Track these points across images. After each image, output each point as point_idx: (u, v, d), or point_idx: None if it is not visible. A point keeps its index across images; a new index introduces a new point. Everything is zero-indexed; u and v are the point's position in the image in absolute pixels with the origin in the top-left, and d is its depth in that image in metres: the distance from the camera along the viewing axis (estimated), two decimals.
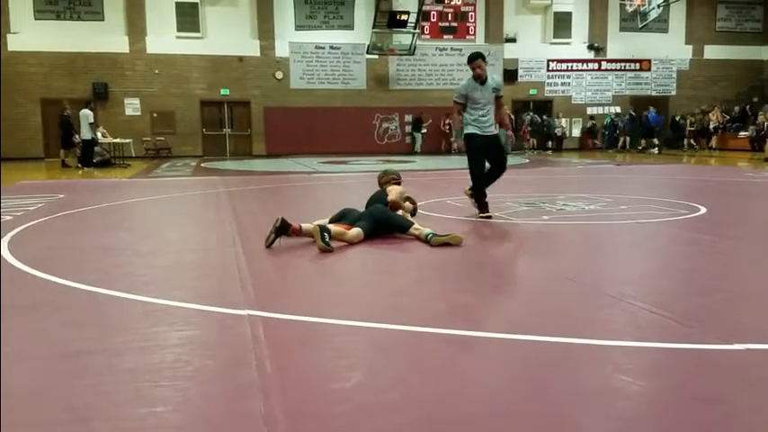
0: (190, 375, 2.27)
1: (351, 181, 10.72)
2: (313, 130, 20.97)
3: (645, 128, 21.14)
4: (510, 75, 22.39)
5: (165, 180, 11.69)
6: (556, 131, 22.29)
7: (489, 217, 6.06)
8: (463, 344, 2.59)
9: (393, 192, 5.39)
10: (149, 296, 3.32)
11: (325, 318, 2.91)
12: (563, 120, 22.70)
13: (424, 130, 21.41)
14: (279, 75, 20.86)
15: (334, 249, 4.48)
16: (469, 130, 6.10)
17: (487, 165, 6.20)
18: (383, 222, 4.97)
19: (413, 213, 5.61)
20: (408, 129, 21.86)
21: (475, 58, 5.98)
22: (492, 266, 4.12)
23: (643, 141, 21.13)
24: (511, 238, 5.18)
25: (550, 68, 22.90)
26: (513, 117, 5.69)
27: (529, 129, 21.74)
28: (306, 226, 4.76)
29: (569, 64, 23.08)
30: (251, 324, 2.82)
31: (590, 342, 2.56)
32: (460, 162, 17.78)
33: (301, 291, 3.48)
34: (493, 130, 6.12)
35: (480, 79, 6.03)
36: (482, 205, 6.21)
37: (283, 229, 4.68)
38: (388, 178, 5.78)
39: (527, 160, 16.95)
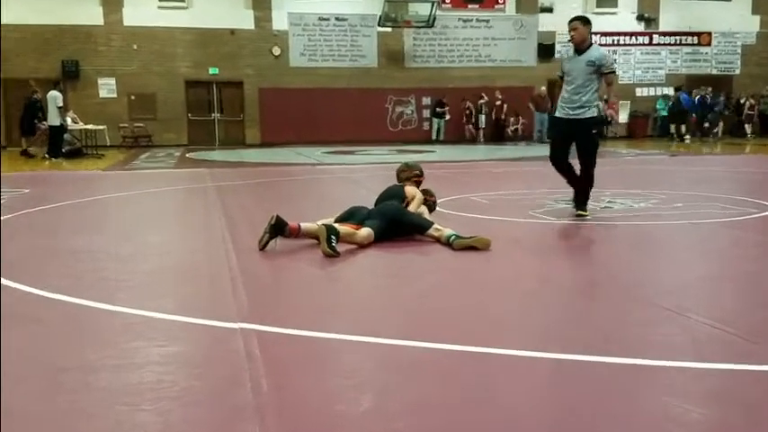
0: (174, 397, 2.28)
1: (359, 174, 10.73)
2: (315, 116, 21.01)
3: (678, 112, 20.88)
4: (545, 50, 22.31)
5: (145, 173, 11.75)
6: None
7: (582, 215, 6.03)
8: (491, 363, 2.58)
9: (410, 192, 5.35)
10: (128, 306, 3.33)
11: (328, 332, 2.91)
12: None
13: (448, 116, 21.39)
14: (276, 51, 20.92)
15: (340, 254, 4.47)
16: (555, 112, 6.15)
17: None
18: (397, 222, 4.96)
19: (431, 208, 5.59)
20: (426, 114, 21.84)
21: (569, 22, 6.02)
22: (524, 274, 4.11)
23: (673, 127, 20.92)
24: (546, 241, 5.16)
25: (593, 43, 22.74)
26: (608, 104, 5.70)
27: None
28: (306, 226, 4.75)
29: (615, 38, 22.94)
30: (244, 338, 2.83)
31: (641, 362, 2.54)
32: (486, 152, 17.80)
33: (302, 300, 3.49)
34: (581, 113, 5.93)
35: (575, 47, 5.97)
36: (577, 201, 6.15)
37: (279, 227, 4.65)
38: (410, 173, 5.68)
39: None
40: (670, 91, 22.65)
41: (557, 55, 22.55)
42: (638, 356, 2.59)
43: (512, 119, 21.71)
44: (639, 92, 23.23)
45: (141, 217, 6.64)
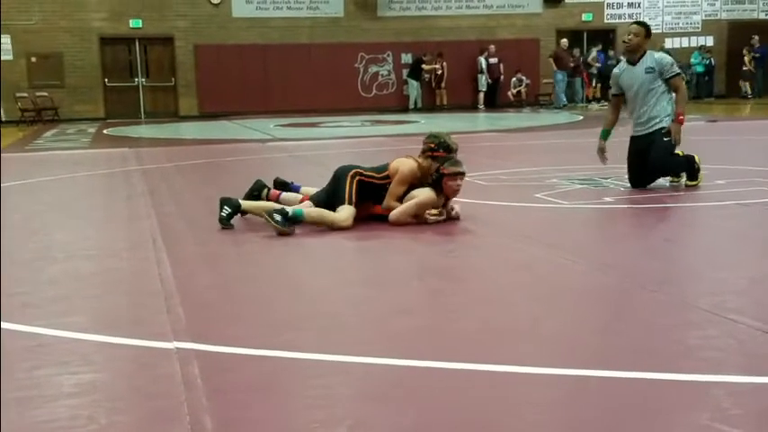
0: None
1: (324, 152, 10.71)
2: (267, 79, 20.92)
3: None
4: None
5: (51, 154, 11.62)
6: None
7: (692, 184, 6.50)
8: (495, 383, 2.59)
9: (394, 166, 5.22)
10: (30, 324, 3.29)
11: (291, 350, 2.90)
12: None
13: (427, 76, 21.40)
14: None
15: (292, 232, 4.89)
16: (632, 133, 6.64)
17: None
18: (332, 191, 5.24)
19: (437, 189, 5.21)
20: (405, 74, 21.83)
21: (634, 23, 6.64)
22: (532, 271, 4.13)
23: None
24: (557, 231, 5.19)
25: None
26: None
27: (595, 70, 21.63)
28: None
29: None
30: (181, 361, 2.81)
31: (678, 377, 2.57)
32: (484, 122, 17.83)
33: (256, 312, 3.47)
34: (651, 126, 6.40)
35: (628, 55, 6.54)
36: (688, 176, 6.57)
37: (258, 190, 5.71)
38: (425, 145, 5.29)
39: (580, 117, 17.01)
40: (708, 41, 22.92)
41: None
42: (672, 371, 2.62)
43: (513, 80, 21.80)
44: (670, 43, 23.44)
45: (45, 211, 6.56)
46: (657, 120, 6.37)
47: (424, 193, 5.16)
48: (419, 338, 3.06)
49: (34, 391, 2.60)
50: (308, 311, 3.49)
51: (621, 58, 7.35)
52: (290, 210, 5.03)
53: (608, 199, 6.20)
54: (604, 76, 21.91)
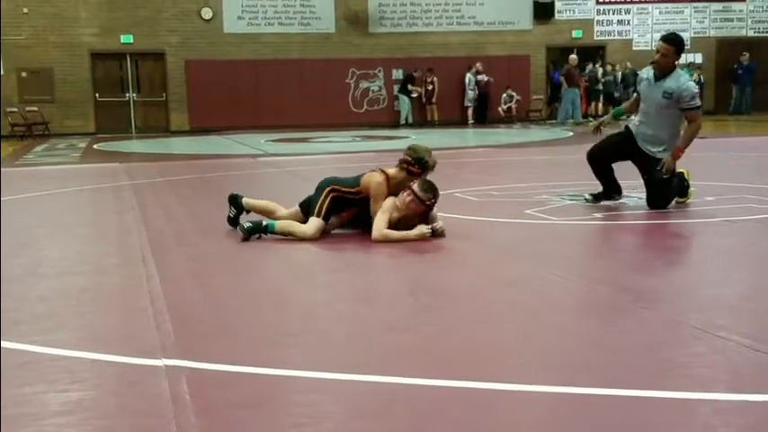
0: None
1: (314, 168, 10.71)
2: (258, 95, 20.93)
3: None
4: (543, 10, 22.55)
5: (41, 170, 11.58)
6: (614, 91, 22.22)
7: (597, 199, 6.42)
8: (483, 400, 2.59)
9: (366, 182, 5.25)
10: (17, 341, 3.27)
11: (281, 367, 2.89)
12: (619, 73, 22.82)
13: (415, 94, 21.46)
14: (207, 13, 20.79)
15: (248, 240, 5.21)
16: (631, 125, 6.43)
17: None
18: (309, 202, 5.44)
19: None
20: (396, 90, 21.88)
21: (663, 40, 6.21)
22: (521, 287, 4.13)
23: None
24: (546, 248, 5.20)
25: (601, 0, 23.07)
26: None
27: (586, 85, 21.43)
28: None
29: None
30: (170, 379, 2.80)
31: (667, 395, 2.57)
32: (474, 138, 17.87)
33: (246, 328, 3.47)
34: (656, 152, 6.18)
35: (658, 70, 6.18)
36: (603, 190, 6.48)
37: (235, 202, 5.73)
38: (404, 156, 5.30)
39: (570, 133, 17.06)
40: (697, 58, 23.05)
41: (557, 15, 22.82)
42: (661, 388, 2.62)
43: (504, 96, 21.86)
44: None
45: (35, 226, 6.53)
46: (664, 148, 6.15)
47: (385, 204, 5.17)
48: (409, 355, 3.05)
49: (20, 409, 2.58)
50: (297, 327, 3.48)
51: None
52: (265, 221, 5.35)
53: (598, 215, 6.22)
54: (605, 92, 21.97)
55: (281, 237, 5.29)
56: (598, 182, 6.53)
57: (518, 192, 7.55)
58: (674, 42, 6.14)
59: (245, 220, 5.38)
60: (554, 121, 20.53)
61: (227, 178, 9.93)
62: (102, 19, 20.17)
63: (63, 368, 2.99)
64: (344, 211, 5.38)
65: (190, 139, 18.40)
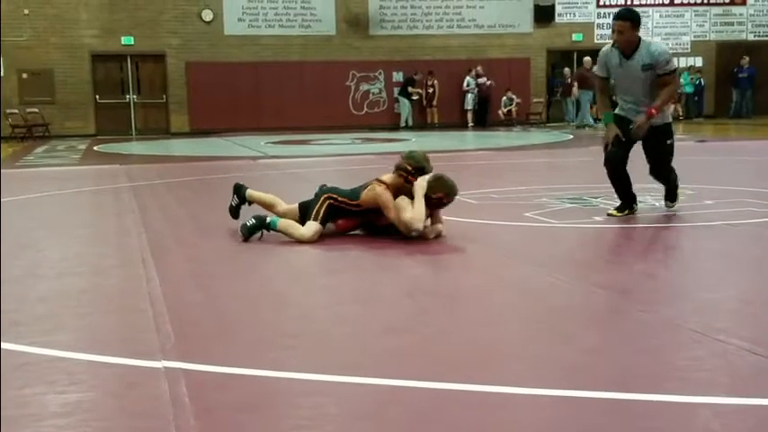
0: None
1: (315, 170, 10.72)
2: (258, 97, 20.94)
3: None
4: (544, 14, 22.60)
5: (41, 171, 11.57)
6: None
7: (626, 212, 6.18)
8: (483, 403, 2.59)
9: (370, 195, 5.22)
10: (17, 342, 3.27)
11: (281, 370, 2.89)
12: None
13: (415, 97, 21.47)
14: (207, 15, 20.81)
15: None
16: (617, 110, 6.22)
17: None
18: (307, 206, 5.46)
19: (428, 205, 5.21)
20: (397, 92, 21.89)
21: (615, 18, 5.96)
22: (521, 290, 4.13)
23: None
24: (545, 251, 5.20)
25: (601, 3, 23.11)
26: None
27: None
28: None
29: None
30: (169, 381, 2.80)
31: (667, 398, 2.57)
32: (474, 141, 17.87)
33: (245, 330, 3.47)
34: (640, 117, 5.93)
35: (620, 49, 5.95)
36: (623, 201, 6.25)
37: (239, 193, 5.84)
38: (400, 163, 5.25)
39: (570, 136, 17.07)
40: (698, 61, 23.07)
41: (557, 18, 22.84)
42: (660, 391, 2.62)
43: (504, 99, 21.88)
44: None
45: (35, 228, 6.54)
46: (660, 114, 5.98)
47: (398, 203, 5.18)
48: (408, 358, 3.05)
49: (19, 410, 2.58)
50: (296, 329, 3.48)
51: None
52: (268, 218, 5.40)
53: (597, 218, 6.21)
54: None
55: (281, 238, 5.30)
56: (598, 186, 6.49)
57: (518, 195, 7.55)
58: (626, 17, 5.93)
59: (249, 218, 5.40)
60: (571, 123, 20.63)
61: (227, 180, 9.92)
62: (102, 20, 20.19)
63: (62, 369, 2.99)
64: (341, 218, 5.42)
65: (190, 140, 18.40)
